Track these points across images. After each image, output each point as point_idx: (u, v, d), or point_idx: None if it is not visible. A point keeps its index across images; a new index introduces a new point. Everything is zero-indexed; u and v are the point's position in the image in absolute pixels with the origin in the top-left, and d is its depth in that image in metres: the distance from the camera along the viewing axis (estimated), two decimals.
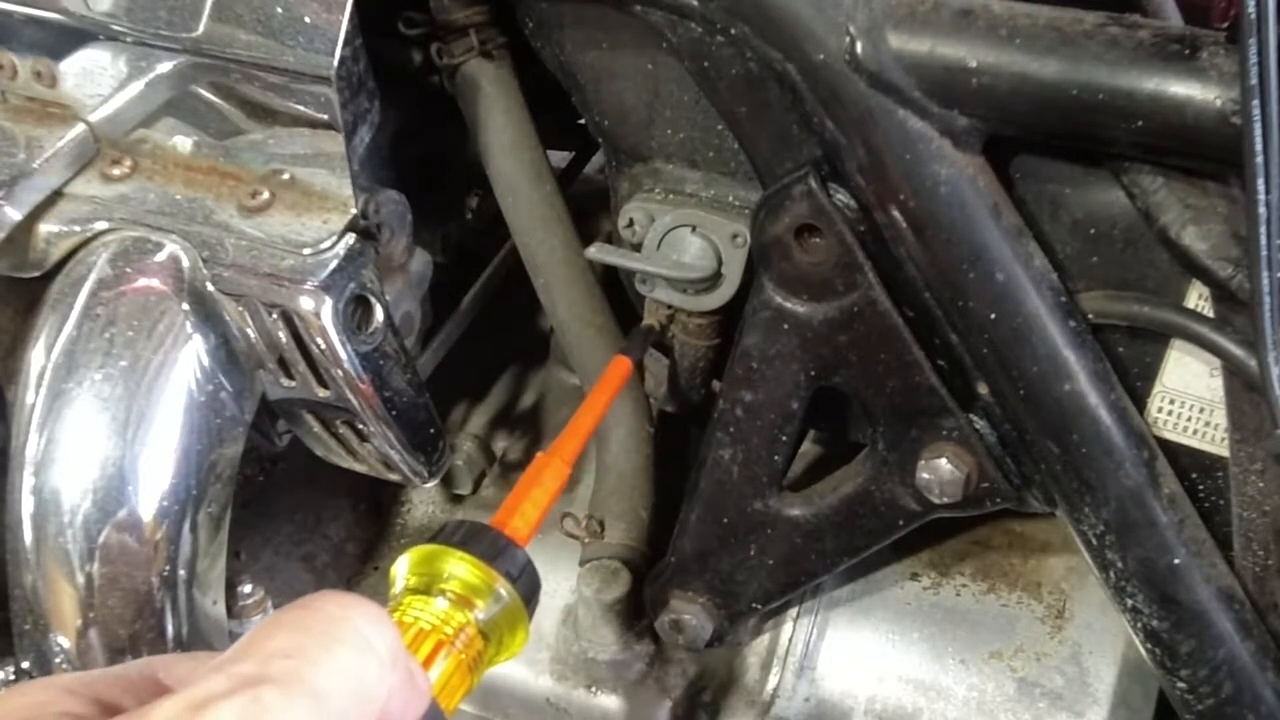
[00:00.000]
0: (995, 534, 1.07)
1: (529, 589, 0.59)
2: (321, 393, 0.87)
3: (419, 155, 1.04)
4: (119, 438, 0.83)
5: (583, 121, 0.96)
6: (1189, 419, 0.80)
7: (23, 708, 0.42)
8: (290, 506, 1.20)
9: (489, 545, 0.59)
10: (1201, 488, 0.81)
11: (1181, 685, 0.84)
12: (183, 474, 0.84)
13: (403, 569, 0.58)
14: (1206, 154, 0.69)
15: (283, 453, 1.01)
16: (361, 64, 0.83)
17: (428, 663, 0.52)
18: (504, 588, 0.58)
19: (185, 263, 0.85)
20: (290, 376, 0.87)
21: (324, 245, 0.84)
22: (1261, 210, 0.62)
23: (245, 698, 0.38)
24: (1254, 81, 0.60)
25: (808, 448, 1.09)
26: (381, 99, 0.86)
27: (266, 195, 0.87)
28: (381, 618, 0.44)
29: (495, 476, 1.21)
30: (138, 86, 0.89)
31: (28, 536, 0.83)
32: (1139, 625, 0.83)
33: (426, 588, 0.56)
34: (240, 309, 0.85)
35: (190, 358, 0.85)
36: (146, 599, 0.84)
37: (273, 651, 0.41)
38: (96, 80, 0.90)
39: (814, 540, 0.94)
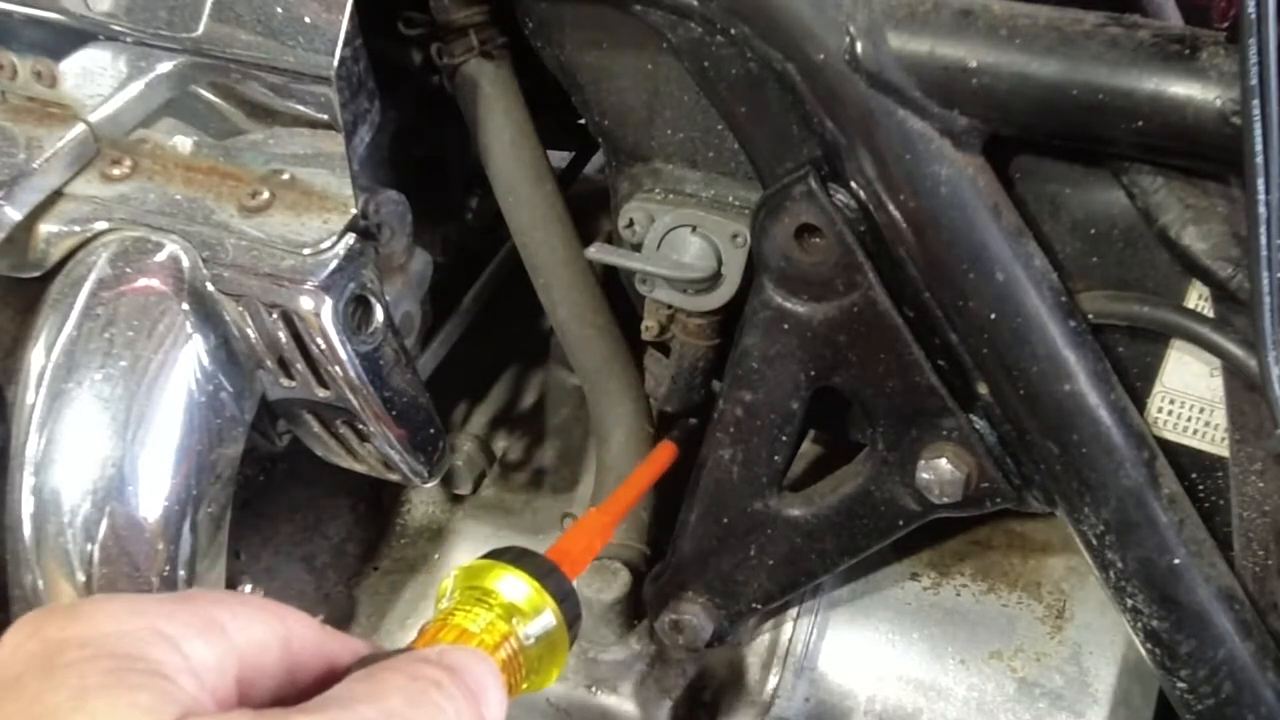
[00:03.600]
0: (995, 534, 1.07)
1: (572, 617, 0.61)
2: (321, 393, 0.87)
3: (419, 155, 1.04)
4: (119, 438, 0.83)
5: (583, 121, 0.96)
6: (1189, 419, 0.80)
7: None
8: (290, 506, 1.20)
9: (540, 569, 0.60)
10: (1201, 488, 0.81)
11: (1181, 685, 0.84)
12: (183, 474, 0.84)
13: (453, 581, 0.60)
14: (1206, 154, 0.69)
15: (283, 453, 1.01)
16: (361, 64, 0.83)
17: None
18: (552, 609, 0.59)
19: (185, 263, 0.85)
20: (290, 376, 0.87)
21: (324, 245, 0.84)
22: (1261, 210, 0.62)
23: None
24: (1254, 81, 0.60)
25: (808, 448, 1.09)
26: (381, 99, 0.86)
27: (266, 195, 0.87)
28: (485, 710, 0.48)
29: (495, 476, 1.21)
30: (138, 86, 0.89)
31: (28, 536, 0.83)
32: (1139, 625, 0.83)
33: (476, 601, 0.58)
34: (240, 309, 0.85)
35: (190, 358, 0.85)
36: None
37: (392, 712, 0.44)
38: (96, 80, 0.89)
39: (814, 540, 0.94)
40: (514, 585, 0.58)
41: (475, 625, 0.55)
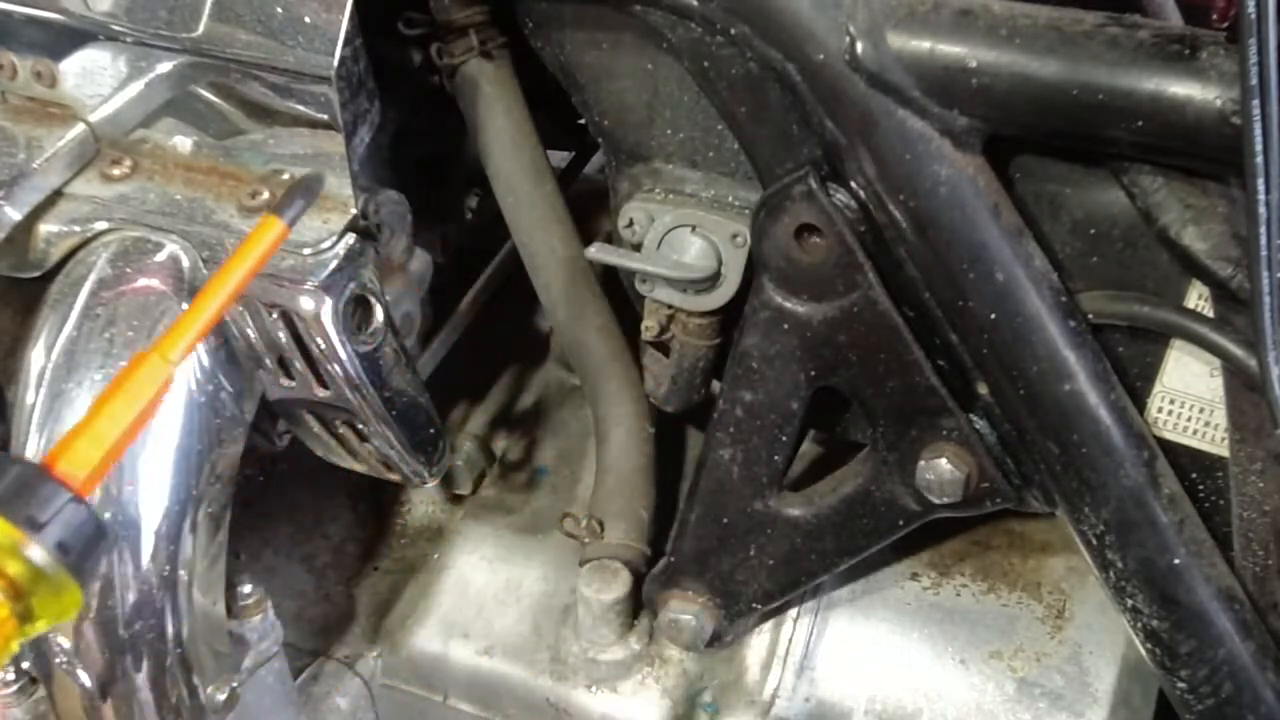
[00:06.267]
0: (995, 534, 1.07)
1: (75, 545, 0.50)
2: (321, 393, 0.87)
3: (419, 155, 1.04)
4: None
5: (583, 121, 0.96)
6: (1189, 419, 0.80)
7: None
8: (290, 506, 1.20)
9: (16, 490, 0.50)
10: (1201, 488, 0.81)
11: (1181, 685, 0.84)
12: (182, 474, 0.84)
13: None
14: (1206, 154, 0.69)
15: (283, 453, 1.01)
16: (361, 64, 0.83)
17: None
18: (34, 550, 0.49)
19: (185, 263, 0.85)
20: (290, 376, 0.87)
21: (324, 245, 0.84)
22: (1261, 210, 0.62)
23: None
24: (1254, 81, 0.60)
25: (808, 448, 1.09)
26: (381, 99, 0.86)
27: (266, 195, 0.87)
28: None
29: (495, 476, 1.21)
30: (138, 86, 0.89)
31: None
32: (1139, 625, 0.83)
33: None
34: (240, 309, 0.85)
35: (190, 358, 0.85)
36: (146, 599, 0.83)
37: None
38: (96, 80, 0.89)
39: (814, 540, 0.94)
40: None
41: None
